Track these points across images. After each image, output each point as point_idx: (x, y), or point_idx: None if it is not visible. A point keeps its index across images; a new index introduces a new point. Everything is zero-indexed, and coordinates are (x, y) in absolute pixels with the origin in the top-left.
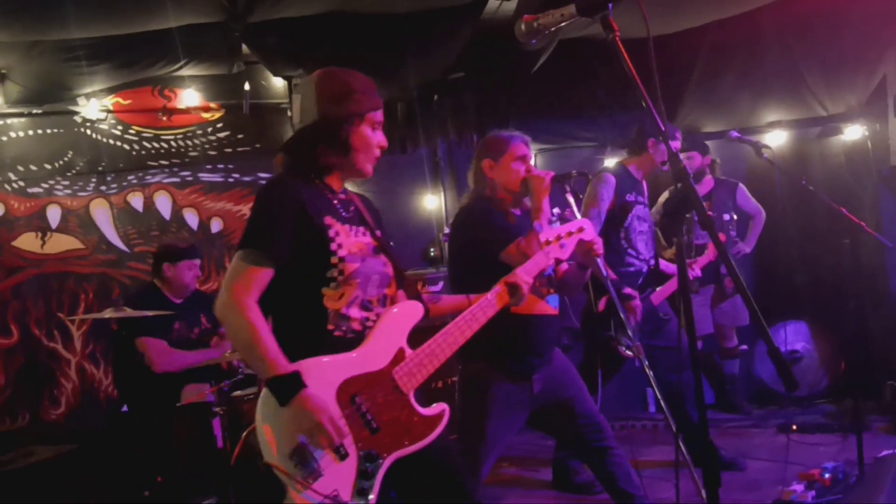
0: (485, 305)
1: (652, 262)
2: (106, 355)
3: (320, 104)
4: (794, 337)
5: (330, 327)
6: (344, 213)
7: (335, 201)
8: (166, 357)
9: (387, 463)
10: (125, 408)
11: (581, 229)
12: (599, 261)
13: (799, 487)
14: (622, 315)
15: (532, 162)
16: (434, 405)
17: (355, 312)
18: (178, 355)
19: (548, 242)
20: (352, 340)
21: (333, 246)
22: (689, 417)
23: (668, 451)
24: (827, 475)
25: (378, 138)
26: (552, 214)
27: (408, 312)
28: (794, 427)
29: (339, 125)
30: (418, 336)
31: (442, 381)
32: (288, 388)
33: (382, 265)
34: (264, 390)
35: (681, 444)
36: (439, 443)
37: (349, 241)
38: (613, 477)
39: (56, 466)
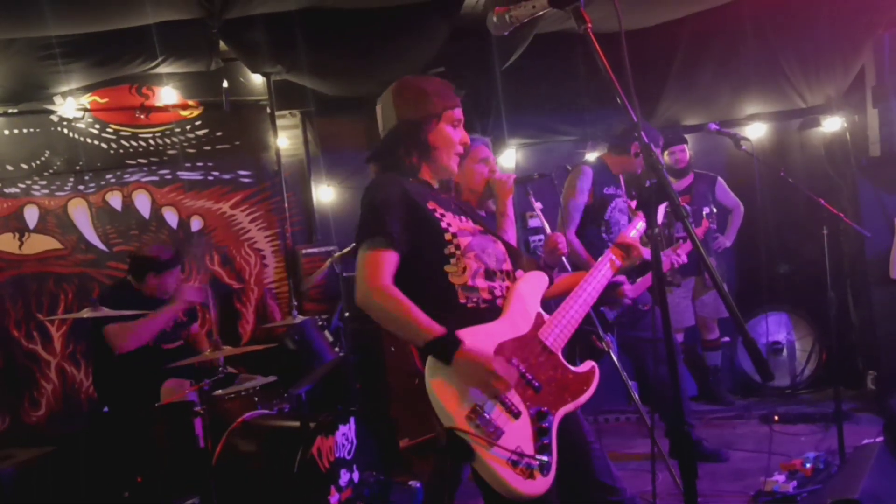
0: (602, 268)
1: None
2: (86, 356)
3: (398, 109)
4: (775, 328)
5: (462, 300)
6: (444, 202)
7: (432, 192)
8: (124, 333)
9: (556, 419)
10: (106, 409)
11: None
12: (563, 259)
13: (781, 477)
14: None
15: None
16: (584, 363)
17: (481, 282)
18: (135, 327)
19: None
20: (485, 310)
21: (444, 224)
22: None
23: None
24: (808, 465)
25: (458, 135)
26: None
27: (536, 281)
28: (777, 417)
29: (418, 126)
30: None
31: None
32: (448, 346)
33: (493, 243)
34: (428, 360)
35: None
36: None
37: (455, 220)
38: (592, 470)
39: (36, 468)
